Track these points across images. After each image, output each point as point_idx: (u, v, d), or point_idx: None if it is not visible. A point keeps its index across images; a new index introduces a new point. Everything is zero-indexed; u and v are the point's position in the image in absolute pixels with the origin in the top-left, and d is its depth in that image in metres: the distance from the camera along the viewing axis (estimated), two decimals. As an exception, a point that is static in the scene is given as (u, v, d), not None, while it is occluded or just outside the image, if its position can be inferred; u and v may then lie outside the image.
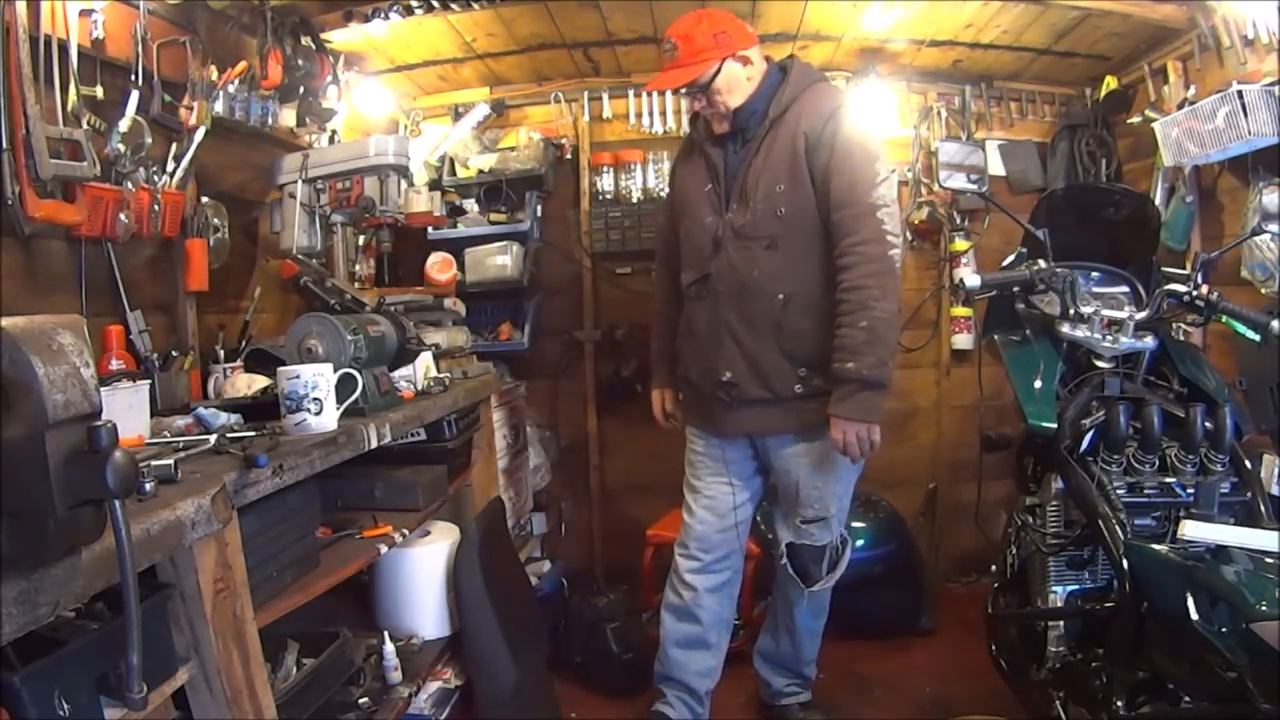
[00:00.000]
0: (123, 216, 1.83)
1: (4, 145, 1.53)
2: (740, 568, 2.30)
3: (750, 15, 2.88)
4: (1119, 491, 1.74)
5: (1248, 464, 1.74)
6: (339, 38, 2.70)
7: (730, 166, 2.10)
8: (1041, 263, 1.95)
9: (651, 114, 3.38)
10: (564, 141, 3.38)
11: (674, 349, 2.29)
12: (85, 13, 1.78)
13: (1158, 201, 2.75)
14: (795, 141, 1.99)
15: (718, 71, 2.00)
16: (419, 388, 2.21)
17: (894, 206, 1.97)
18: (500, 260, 3.16)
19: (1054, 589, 1.86)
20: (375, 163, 2.40)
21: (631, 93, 3.38)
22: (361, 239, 2.76)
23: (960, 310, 3.37)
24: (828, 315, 1.96)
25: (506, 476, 2.84)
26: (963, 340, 3.39)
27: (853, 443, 1.93)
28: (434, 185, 3.24)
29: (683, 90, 2.12)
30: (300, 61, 2.42)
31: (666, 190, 2.72)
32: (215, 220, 2.27)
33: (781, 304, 2.00)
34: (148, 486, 1.07)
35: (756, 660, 2.39)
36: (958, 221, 3.33)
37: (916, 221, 3.34)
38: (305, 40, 2.48)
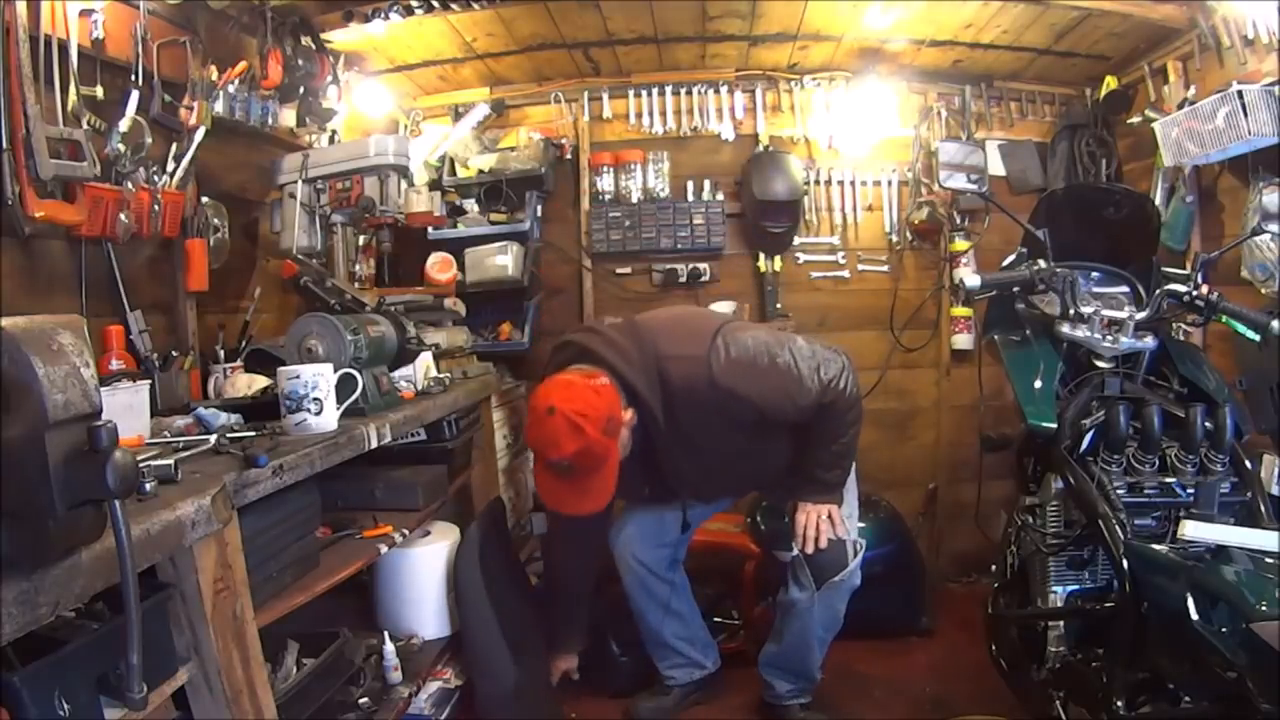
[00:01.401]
0: (123, 216, 1.83)
1: (4, 145, 1.53)
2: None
3: (750, 15, 2.88)
4: (1119, 491, 1.74)
5: (1248, 464, 1.74)
6: (339, 38, 2.70)
7: (648, 466, 2.01)
8: (1041, 263, 1.95)
9: (651, 114, 3.39)
10: (564, 141, 3.38)
11: (583, 609, 2.38)
12: (85, 13, 1.78)
13: (1158, 201, 2.75)
14: (704, 424, 1.93)
15: None
16: (419, 388, 2.21)
17: (814, 354, 1.97)
18: (500, 260, 3.16)
19: (1054, 589, 1.86)
20: (375, 163, 2.40)
21: (631, 93, 3.39)
22: (361, 239, 2.76)
23: (960, 310, 3.38)
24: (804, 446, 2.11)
25: (506, 476, 2.84)
26: (963, 340, 3.39)
27: (813, 523, 2.07)
28: (434, 185, 3.24)
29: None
30: (300, 61, 2.42)
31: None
32: (215, 220, 2.27)
33: (775, 472, 2.19)
34: (148, 486, 1.08)
35: (761, 665, 2.38)
36: (958, 221, 3.33)
37: (916, 221, 3.34)
38: (305, 40, 2.48)
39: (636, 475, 2.00)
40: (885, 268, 3.44)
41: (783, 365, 1.94)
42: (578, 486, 1.85)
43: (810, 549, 2.08)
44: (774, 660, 2.35)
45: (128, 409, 1.49)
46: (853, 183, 3.41)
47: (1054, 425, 1.85)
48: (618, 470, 1.85)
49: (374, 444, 1.68)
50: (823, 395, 1.95)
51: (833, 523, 2.09)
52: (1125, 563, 1.59)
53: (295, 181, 2.41)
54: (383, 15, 2.56)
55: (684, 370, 1.91)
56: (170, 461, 1.20)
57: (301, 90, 2.49)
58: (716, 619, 2.73)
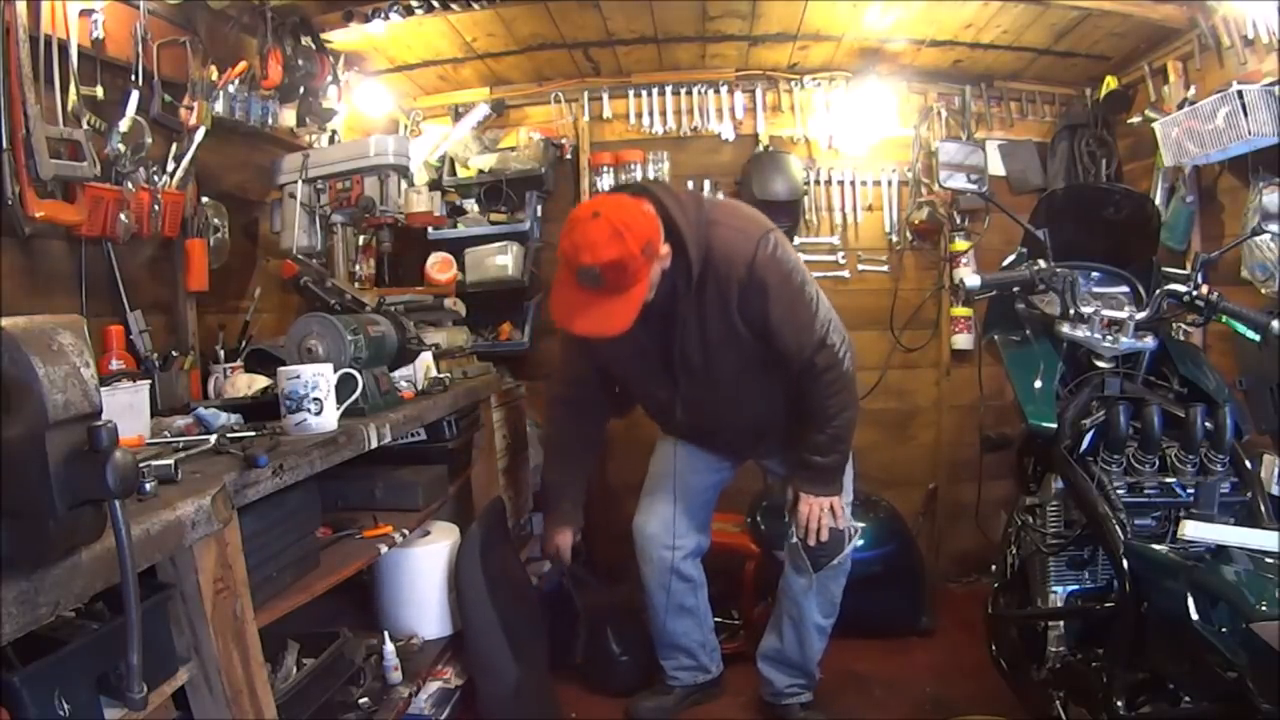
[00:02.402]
0: (123, 216, 1.83)
1: (4, 145, 1.53)
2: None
3: (750, 15, 2.88)
4: (1119, 491, 1.74)
5: (1248, 464, 1.74)
6: (339, 38, 2.70)
7: (661, 340, 2.00)
8: (1041, 263, 1.95)
9: (651, 114, 3.39)
10: (564, 141, 3.38)
11: (578, 483, 2.34)
12: (85, 13, 1.78)
13: (1158, 201, 2.75)
14: (726, 308, 1.92)
15: None
16: (419, 388, 2.21)
17: (831, 314, 2.02)
18: (500, 260, 3.16)
19: (1054, 589, 1.86)
20: (375, 163, 2.40)
21: (631, 93, 3.39)
22: (361, 239, 2.76)
23: (960, 310, 3.38)
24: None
25: (506, 476, 2.83)
26: (963, 340, 3.39)
27: (814, 516, 2.10)
28: (434, 185, 3.24)
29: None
30: (300, 61, 2.42)
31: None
32: (215, 220, 2.27)
33: (767, 420, 2.17)
34: (148, 486, 1.07)
35: (760, 659, 2.38)
36: (958, 221, 3.33)
37: (916, 221, 3.34)
38: (305, 40, 2.48)
39: (645, 341, 1.96)
40: (885, 268, 3.44)
41: (806, 297, 1.96)
42: (599, 303, 1.76)
43: (812, 541, 2.11)
44: (774, 654, 2.35)
45: (128, 409, 1.49)
46: (853, 183, 3.41)
47: (1054, 425, 1.85)
48: (640, 305, 1.78)
49: (374, 444, 1.68)
50: (817, 352, 1.96)
51: (834, 515, 2.11)
52: (1125, 563, 1.59)
53: (295, 181, 2.41)
54: (383, 15, 2.56)
55: (730, 241, 1.89)
56: (170, 461, 1.20)
57: (301, 90, 2.49)
58: (716, 619, 2.73)
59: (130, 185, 1.85)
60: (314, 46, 2.51)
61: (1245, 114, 2.21)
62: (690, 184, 3.35)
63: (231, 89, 2.21)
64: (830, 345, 1.98)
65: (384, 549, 1.85)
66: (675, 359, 2.02)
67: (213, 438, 1.43)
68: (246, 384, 2.04)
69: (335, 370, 1.63)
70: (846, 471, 2.21)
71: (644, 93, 3.38)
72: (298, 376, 1.56)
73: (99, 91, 1.82)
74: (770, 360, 2.01)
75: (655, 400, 2.22)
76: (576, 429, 2.32)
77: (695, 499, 2.34)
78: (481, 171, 3.27)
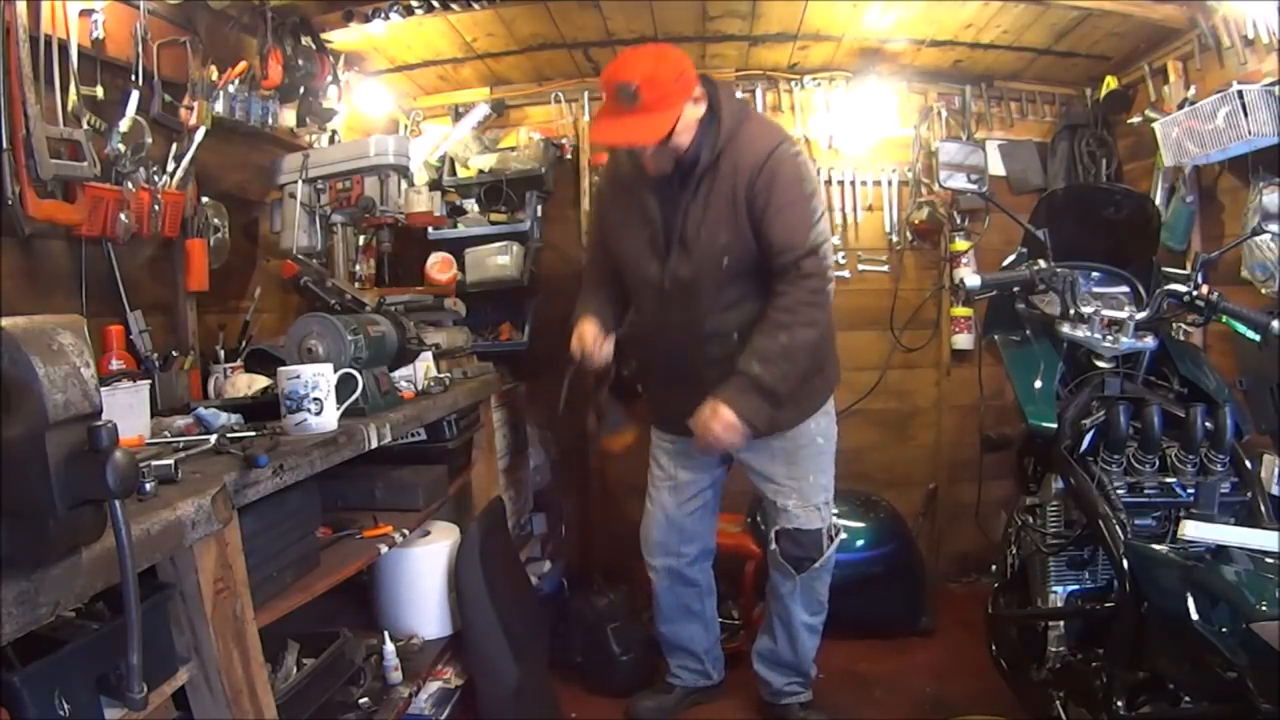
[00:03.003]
0: (123, 216, 1.83)
1: (4, 145, 1.53)
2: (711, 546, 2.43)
3: (750, 15, 2.88)
4: (1119, 491, 1.74)
5: (1248, 464, 1.75)
6: (339, 38, 2.70)
7: (666, 210, 2.04)
8: (1042, 263, 1.95)
9: (651, 114, 3.38)
10: (564, 141, 3.37)
11: (608, 302, 2.24)
12: (85, 13, 1.78)
13: (1158, 201, 2.75)
14: (735, 189, 1.95)
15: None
16: (419, 388, 2.21)
17: (829, 236, 2.03)
18: (500, 260, 3.16)
19: (1054, 589, 1.87)
20: (375, 163, 2.40)
21: (631, 93, 3.38)
22: (362, 239, 2.76)
23: (960, 310, 3.37)
24: None
25: (506, 476, 2.84)
26: (963, 340, 3.39)
27: (717, 434, 1.94)
28: (434, 185, 3.23)
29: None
30: (300, 61, 2.42)
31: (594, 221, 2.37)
32: (215, 220, 2.27)
33: (737, 342, 2.03)
34: (148, 486, 1.08)
35: (755, 660, 2.39)
36: (958, 221, 3.33)
37: (916, 221, 3.34)
38: (305, 40, 2.48)
39: (654, 204, 2.04)
40: (885, 268, 3.44)
41: (810, 205, 1.98)
42: (633, 117, 1.87)
43: (701, 446, 2.03)
44: (768, 653, 2.36)
45: (128, 409, 1.49)
46: (853, 183, 3.41)
47: (1054, 425, 1.86)
48: (670, 127, 1.89)
49: (374, 444, 1.68)
50: (805, 257, 1.94)
51: (721, 440, 1.98)
52: (1125, 563, 1.59)
53: (295, 181, 2.41)
54: (383, 15, 2.56)
55: (758, 132, 2.01)
56: (170, 461, 1.20)
57: (301, 90, 2.49)
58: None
59: (130, 185, 1.85)
60: (314, 46, 2.51)
61: (1245, 114, 2.21)
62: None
63: (231, 89, 2.21)
64: (822, 257, 1.97)
65: (384, 549, 1.85)
66: (676, 224, 2.02)
67: (213, 438, 1.43)
68: (246, 384, 2.04)
69: (335, 370, 1.63)
70: (826, 468, 2.20)
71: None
72: (298, 376, 1.56)
73: (99, 91, 1.82)
74: (758, 276, 2.00)
75: (643, 280, 2.12)
76: (604, 275, 2.28)
77: (693, 501, 2.33)
78: (481, 171, 3.27)
